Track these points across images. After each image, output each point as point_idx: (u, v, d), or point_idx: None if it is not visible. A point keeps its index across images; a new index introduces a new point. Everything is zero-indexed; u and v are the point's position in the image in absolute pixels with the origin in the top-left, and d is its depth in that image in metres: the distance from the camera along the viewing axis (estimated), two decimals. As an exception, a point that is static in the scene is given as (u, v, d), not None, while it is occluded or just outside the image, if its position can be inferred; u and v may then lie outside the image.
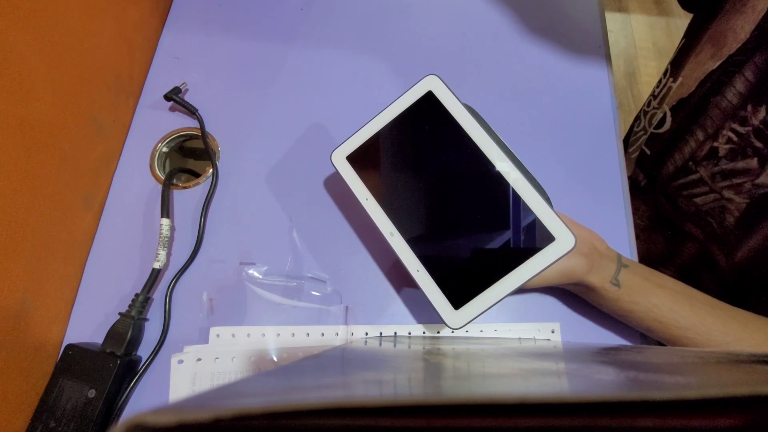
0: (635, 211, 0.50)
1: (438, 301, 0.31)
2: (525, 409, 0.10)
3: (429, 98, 0.34)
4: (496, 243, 0.31)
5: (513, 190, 0.31)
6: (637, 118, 0.53)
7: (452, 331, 0.37)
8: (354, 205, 0.43)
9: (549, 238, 0.29)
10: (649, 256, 0.51)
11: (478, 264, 0.31)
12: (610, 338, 0.38)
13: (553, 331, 0.38)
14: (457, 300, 0.30)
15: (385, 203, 0.33)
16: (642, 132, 0.50)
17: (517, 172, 0.31)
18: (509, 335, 0.38)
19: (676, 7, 1.55)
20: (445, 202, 0.32)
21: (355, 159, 0.35)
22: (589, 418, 0.10)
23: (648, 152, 0.48)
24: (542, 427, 0.10)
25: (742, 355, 0.19)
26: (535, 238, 0.30)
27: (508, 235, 0.30)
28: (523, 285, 0.30)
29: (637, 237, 0.48)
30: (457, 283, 0.31)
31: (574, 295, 0.39)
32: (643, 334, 0.38)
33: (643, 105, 0.52)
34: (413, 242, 0.32)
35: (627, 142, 0.55)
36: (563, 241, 0.29)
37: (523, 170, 0.32)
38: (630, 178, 0.51)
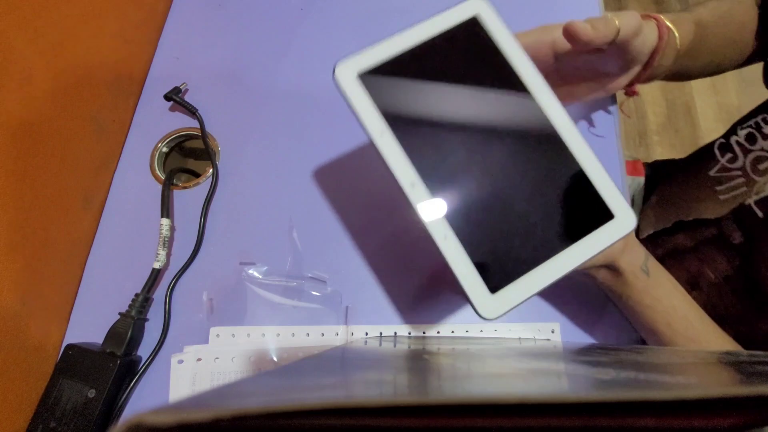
0: (708, 264, 0.42)
1: (469, 281, 0.23)
2: (525, 409, 0.10)
3: (472, 25, 0.26)
4: (547, 214, 0.24)
5: (571, 153, 0.25)
6: (731, 152, 0.42)
7: (485, 320, 0.26)
8: (354, 204, 0.43)
9: (607, 215, 0.24)
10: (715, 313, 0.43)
11: (522, 238, 0.24)
12: (610, 338, 0.38)
13: (553, 331, 0.38)
14: (494, 282, 0.23)
15: (406, 144, 0.25)
16: (742, 183, 0.40)
17: (578, 133, 0.25)
18: (509, 335, 0.38)
19: (676, 8, 1.55)
20: (486, 155, 0.25)
21: (369, 79, 0.26)
22: (589, 418, 0.10)
23: (760, 214, 0.38)
24: (542, 427, 0.10)
25: (742, 355, 0.19)
26: (593, 213, 0.24)
27: (562, 205, 0.24)
28: (576, 269, 0.24)
29: (699, 287, 0.42)
30: (495, 260, 0.24)
31: (574, 295, 0.39)
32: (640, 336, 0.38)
33: (749, 150, 0.40)
34: (441, 200, 0.24)
35: (696, 162, 0.45)
36: (623, 219, 0.24)
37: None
38: (718, 222, 0.41)
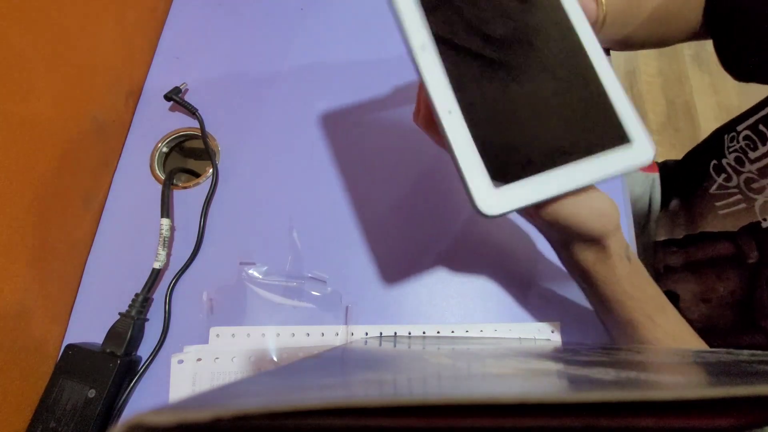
0: (723, 280, 0.43)
1: (471, 167, 0.21)
2: (525, 409, 0.10)
3: None
4: (565, 120, 0.23)
5: (595, 68, 0.23)
6: (725, 173, 0.43)
7: (485, 217, 0.23)
8: (354, 204, 0.43)
9: (624, 139, 0.22)
10: (710, 325, 0.44)
11: (537, 137, 0.22)
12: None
13: (553, 331, 0.38)
14: (499, 176, 0.21)
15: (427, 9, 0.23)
16: (740, 200, 0.41)
17: (604, 56, 0.24)
18: (509, 335, 0.38)
19: (676, 7, 1.55)
20: (516, 44, 0.23)
21: None
22: (589, 418, 0.10)
23: None
24: (542, 427, 0.10)
25: (742, 354, 0.19)
26: (610, 133, 0.23)
27: (581, 115, 0.23)
28: (584, 185, 0.23)
29: (709, 301, 0.43)
30: (503, 153, 0.22)
31: (574, 295, 0.39)
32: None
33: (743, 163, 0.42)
34: (453, 68, 0.22)
35: (697, 180, 0.46)
36: (641, 148, 0.22)
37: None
38: (735, 239, 0.42)
